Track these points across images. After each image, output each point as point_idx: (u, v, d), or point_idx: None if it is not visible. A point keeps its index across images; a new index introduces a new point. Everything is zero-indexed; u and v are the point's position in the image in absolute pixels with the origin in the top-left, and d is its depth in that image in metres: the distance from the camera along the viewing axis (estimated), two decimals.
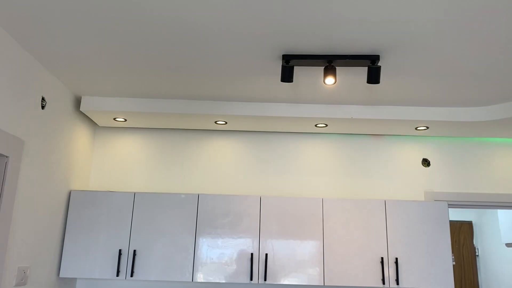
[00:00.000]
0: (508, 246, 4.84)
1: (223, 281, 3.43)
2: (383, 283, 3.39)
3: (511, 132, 3.93)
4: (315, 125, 3.92)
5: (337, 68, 2.96)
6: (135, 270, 3.44)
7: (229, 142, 4.18)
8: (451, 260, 3.45)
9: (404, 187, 4.06)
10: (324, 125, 3.90)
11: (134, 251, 3.46)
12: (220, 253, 3.49)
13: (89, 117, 3.97)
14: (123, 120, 3.94)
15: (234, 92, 3.47)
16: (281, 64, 2.80)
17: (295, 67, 2.95)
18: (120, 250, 3.45)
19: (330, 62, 2.77)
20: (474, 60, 2.78)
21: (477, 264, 5.78)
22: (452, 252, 5.82)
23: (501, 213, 4.85)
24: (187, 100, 3.69)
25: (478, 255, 5.80)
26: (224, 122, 3.91)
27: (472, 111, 3.66)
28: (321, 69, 3.00)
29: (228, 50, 2.76)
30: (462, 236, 5.88)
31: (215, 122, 3.91)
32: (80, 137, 3.85)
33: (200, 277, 3.43)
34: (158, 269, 3.45)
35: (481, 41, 2.54)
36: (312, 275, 3.43)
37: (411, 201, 3.61)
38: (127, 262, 3.45)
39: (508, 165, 4.10)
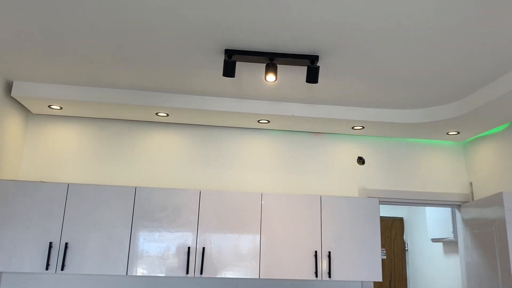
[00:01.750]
0: (433, 241, 5.17)
1: (159, 275, 3.40)
2: (316, 275, 3.51)
3: (439, 134, 4.20)
4: (258, 121, 3.98)
5: (279, 66, 3.02)
6: (66, 263, 3.33)
7: (170, 134, 4.14)
8: (380, 253, 3.64)
9: (339, 183, 4.22)
10: (267, 121, 3.97)
11: (66, 244, 3.34)
12: (156, 247, 3.45)
13: (21, 104, 3.77)
14: (59, 108, 3.78)
15: (177, 84, 3.44)
16: (224, 58, 2.81)
17: (238, 62, 2.97)
18: (50, 243, 3.32)
19: (271, 60, 2.82)
20: (406, 64, 2.94)
21: (406, 258, 6.12)
22: (384, 247, 6.13)
23: (429, 210, 5.17)
24: (127, 90, 3.60)
25: (407, 250, 6.15)
26: (165, 114, 3.86)
27: (404, 113, 3.87)
28: (263, 66, 3.04)
29: (170, 41, 2.73)
30: (394, 232, 6.20)
31: (156, 113, 3.85)
32: (11, 124, 3.64)
33: (135, 271, 3.38)
34: (91, 262, 3.36)
35: (411, 46, 2.69)
36: (249, 268, 3.49)
37: (345, 197, 3.76)
38: (58, 255, 3.33)
39: (436, 165, 4.37)
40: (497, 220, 3.43)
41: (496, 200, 3.46)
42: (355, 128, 4.08)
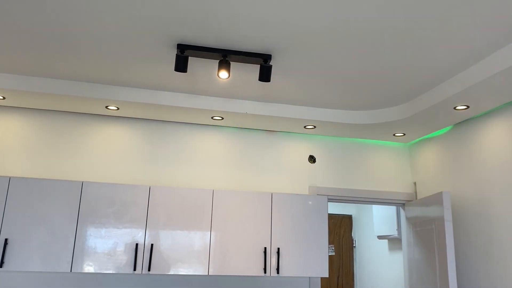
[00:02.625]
0: (379, 238, 5.37)
1: (106, 272, 3.33)
2: (265, 272, 3.56)
3: (386, 135, 4.36)
4: (212, 118, 3.97)
5: (233, 64, 3.03)
6: (6, 260, 3.18)
7: (121, 128, 4.05)
8: (327, 250, 3.74)
9: (291, 181, 4.29)
10: (220, 118, 3.96)
11: (6, 240, 3.20)
12: (103, 243, 3.37)
13: None
14: (2, 97, 3.60)
15: (128, 77, 3.36)
16: (176, 53, 2.78)
17: (191, 58, 2.95)
18: None
19: (224, 57, 2.82)
20: (355, 66, 3.04)
21: (354, 254, 6.32)
22: (333, 244, 6.30)
23: (375, 208, 5.36)
24: (76, 82, 3.49)
25: (355, 246, 6.35)
26: (115, 108, 3.77)
27: (354, 114, 3.99)
28: (217, 62, 3.04)
29: (121, 33, 2.67)
30: (343, 229, 6.38)
31: (106, 107, 3.75)
32: None
33: (80, 268, 3.29)
34: (34, 259, 3.23)
35: (360, 49, 2.78)
36: (198, 265, 3.48)
37: (295, 195, 3.83)
38: None
39: (383, 165, 4.54)
40: (437, 218, 3.61)
41: (437, 199, 3.65)
42: (307, 127, 4.16)
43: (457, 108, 3.44)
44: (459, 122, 3.85)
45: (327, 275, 3.66)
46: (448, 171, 3.98)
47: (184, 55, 2.75)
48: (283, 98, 3.69)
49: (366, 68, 3.04)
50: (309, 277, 4.02)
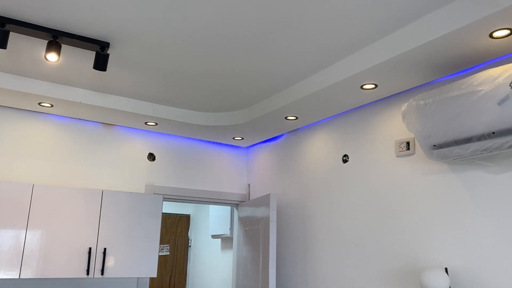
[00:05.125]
0: (213, 238, 5.52)
1: None
2: (88, 273, 3.33)
3: (226, 138, 4.51)
4: (39, 104, 3.57)
5: (65, 47, 2.77)
6: None
7: None
8: (158, 250, 3.68)
9: (128, 178, 4.12)
10: (50, 105, 3.59)
11: None
12: None
13: None
14: None
15: None
16: None
17: (15, 34, 2.60)
18: None
19: (55, 38, 2.56)
20: (199, 68, 3.06)
21: (189, 253, 6.38)
22: (169, 243, 6.26)
23: (212, 208, 5.50)
24: None
25: (190, 246, 6.42)
26: None
27: (196, 114, 4.03)
28: (46, 42, 2.74)
29: None
30: (180, 228, 6.39)
31: None
32: None
33: None
34: None
35: (204, 51, 2.81)
36: (8, 267, 3.08)
37: (129, 193, 3.68)
38: None
39: (222, 167, 4.68)
40: (264, 218, 3.86)
41: (265, 200, 3.90)
42: (148, 123, 4.05)
43: (288, 118, 3.74)
44: (291, 131, 4.20)
45: (155, 275, 3.60)
46: (278, 175, 4.30)
47: (5, 29, 2.41)
48: (123, 90, 3.52)
49: (209, 71, 3.09)
50: (138, 278, 3.91)
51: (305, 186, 3.91)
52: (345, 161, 3.51)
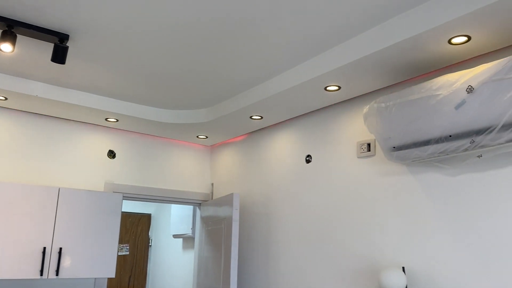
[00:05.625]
0: (174, 237, 5.44)
1: None
2: (41, 274, 3.20)
3: (190, 136, 4.46)
4: None
5: (21, 37, 2.64)
6: None
7: None
8: (116, 249, 3.58)
9: (87, 176, 3.99)
10: (4, 98, 3.43)
11: None
12: None
13: None
14: None
15: None
16: None
17: None
18: None
19: (10, 27, 2.44)
20: (164, 64, 3.00)
21: (149, 253, 6.26)
22: (128, 243, 6.12)
23: (174, 207, 5.42)
24: None
25: (151, 245, 6.30)
26: None
27: (159, 111, 3.95)
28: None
29: None
30: (140, 228, 6.26)
31: None
32: None
33: None
34: None
35: (169, 47, 2.76)
36: None
37: (87, 191, 3.57)
38: None
39: (185, 165, 4.62)
40: (227, 218, 3.84)
41: (228, 200, 3.88)
42: (108, 120, 3.94)
43: (252, 117, 3.73)
44: (255, 130, 4.20)
45: (113, 276, 3.51)
46: (243, 174, 4.29)
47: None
48: (82, 85, 3.41)
49: (173, 68, 3.04)
50: (95, 278, 3.79)
51: (268, 185, 3.92)
52: (308, 161, 3.54)
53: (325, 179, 3.34)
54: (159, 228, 6.21)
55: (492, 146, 2.14)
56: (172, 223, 5.35)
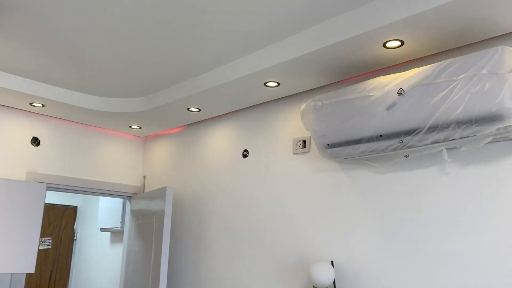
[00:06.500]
0: (102, 231, 5.21)
1: None
2: None
3: (123, 126, 4.28)
4: None
5: None
6: None
7: None
8: (38, 243, 3.36)
9: (7, 164, 3.69)
10: None
11: None
12: None
13: None
14: None
15: None
16: None
17: None
18: None
19: None
20: (96, 49, 2.84)
21: (74, 247, 5.95)
22: (51, 236, 5.77)
23: (102, 200, 5.19)
24: None
25: (76, 239, 5.99)
26: None
27: (90, 98, 3.75)
28: None
29: None
30: (65, 220, 5.93)
31: None
32: None
33: None
34: None
35: (101, 31, 2.61)
36: None
37: (6, 180, 3.30)
38: None
39: (116, 157, 4.43)
40: (158, 212, 3.74)
41: (160, 193, 3.78)
42: (33, 104, 3.67)
43: (190, 109, 3.66)
44: (193, 123, 4.12)
45: (32, 271, 3.28)
46: (177, 167, 4.19)
47: None
48: (4, 65, 3.14)
49: (106, 51, 2.89)
50: (12, 274, 3.53)
51: (203, 180, 3.86)
52: (245, 156, 3.54)
53: (261, 175, 3.36)
54: (85, 221, 5.92)
55: (419, 146, 2.26)
56: (100, 216, 5.12)
